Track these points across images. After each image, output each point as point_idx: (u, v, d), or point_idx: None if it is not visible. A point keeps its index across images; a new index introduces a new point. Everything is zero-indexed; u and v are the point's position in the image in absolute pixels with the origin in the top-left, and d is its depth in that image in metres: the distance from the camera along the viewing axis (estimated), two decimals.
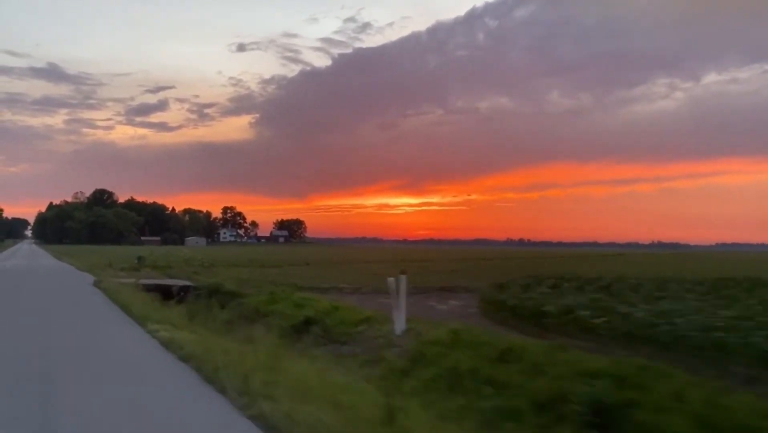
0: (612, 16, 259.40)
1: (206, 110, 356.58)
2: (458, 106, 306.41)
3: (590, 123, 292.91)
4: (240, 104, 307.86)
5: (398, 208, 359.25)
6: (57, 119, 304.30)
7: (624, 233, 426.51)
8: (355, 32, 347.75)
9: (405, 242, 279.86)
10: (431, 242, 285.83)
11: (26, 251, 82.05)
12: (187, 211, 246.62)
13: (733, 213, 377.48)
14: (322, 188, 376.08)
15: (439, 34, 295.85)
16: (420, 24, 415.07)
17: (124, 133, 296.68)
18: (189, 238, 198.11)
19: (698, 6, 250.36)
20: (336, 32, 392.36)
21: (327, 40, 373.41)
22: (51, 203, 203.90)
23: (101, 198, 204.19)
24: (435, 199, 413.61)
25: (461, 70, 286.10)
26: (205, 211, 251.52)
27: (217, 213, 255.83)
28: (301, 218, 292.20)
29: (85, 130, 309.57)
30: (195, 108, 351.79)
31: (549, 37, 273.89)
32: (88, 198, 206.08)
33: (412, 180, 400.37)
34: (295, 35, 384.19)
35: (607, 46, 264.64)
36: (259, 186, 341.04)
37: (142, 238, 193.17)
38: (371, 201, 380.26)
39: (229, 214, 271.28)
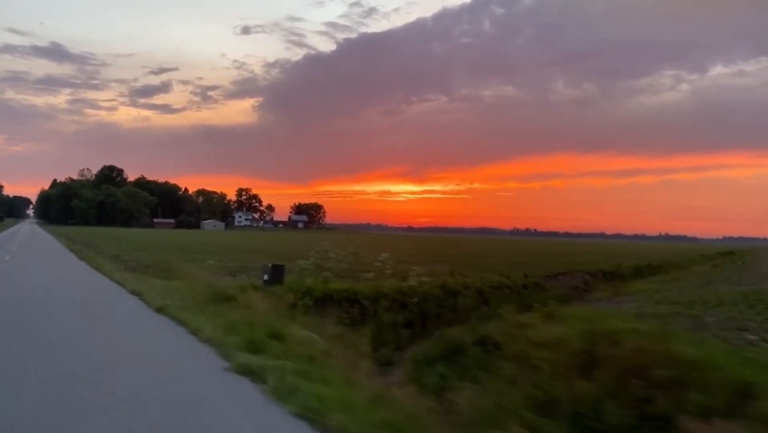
0: (618, 5, 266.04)
1: (209, 93, 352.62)
2: (462, 93, 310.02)
3: (594, 113, 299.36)
4: (243, 87, 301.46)
5: (400, 196, 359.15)
6: (60, 99, 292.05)
7: (630, 224, 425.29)
8: (361, 17, 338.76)
9: (411, 229, 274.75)
10: (436, 229, 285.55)
11: (26, 236, 62.35)
12: (200, 192, 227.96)
13: (738, 207, 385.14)
14: (324, 174, 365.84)
15: (445, 21, 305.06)
16: (426, 10, 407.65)
17: (127, 115, 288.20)
18: (206, 221, 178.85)
19: None
20: (341, 16, 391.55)
21: (332, 25, 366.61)
22: (55, 180, 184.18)
23: (110, 175, 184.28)
24: (437, 187, 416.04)
25: (466, 58, 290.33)
26: (220, 192, 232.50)
27: (230, 195, 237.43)
28: (320, 202, 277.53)
29: (88, 110, 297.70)
30: (198, 90, 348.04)
31: (555, 26, 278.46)
32: (95, 175, 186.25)
33: (415, 167, 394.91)
34: (300, 19, 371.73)
35: (613, 36, 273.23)
36: (261, 170, 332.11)
37: (155, 220, 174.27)
38: (373, 187, 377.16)
39: (244, 197, 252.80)
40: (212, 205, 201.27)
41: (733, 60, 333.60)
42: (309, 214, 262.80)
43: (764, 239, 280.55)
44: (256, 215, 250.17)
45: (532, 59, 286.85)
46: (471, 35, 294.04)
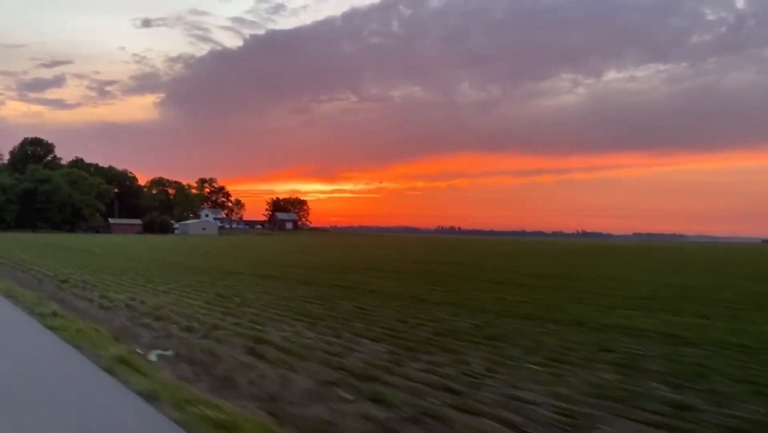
0: (522, 9, 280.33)
1: (107, 88, 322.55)
2: (372, 93, 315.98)
3: (497, 114, 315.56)
4: (144, 83, 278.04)
5: (309, 195, 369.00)
6: None
7: (548, 222, 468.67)
8: (268, 13, 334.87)
9: (336, 228, 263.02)
10: (358, 229, 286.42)
11: None
12: (156, 182, 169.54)
13: (637, 205, 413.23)
14: (231, 172, 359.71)
15: (354, 21, 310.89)
16: (335, 9, 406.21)
17: (15, 110, 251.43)
18: (191, 222, 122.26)
19: (602, 3, 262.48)
20: (248, 12, 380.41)
21: (239, 20, 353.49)
22: None
23: (35, 153, 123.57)
24: (347, 186, 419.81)
25: (376, 58, 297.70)
26: (186, 184, 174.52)
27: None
28: (303, 198, 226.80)
29: None
30: (95, 85, 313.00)
31: (461, 28, 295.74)
32: (11, 154, 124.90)
33: (324, 166, 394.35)
34: (204, 13, 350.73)
35: (516, 39, 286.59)
36: (165, 169, 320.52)
37: (111, 221, 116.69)
38: (282, 187, 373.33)
39: (208, 190, 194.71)
40: (189, 201, 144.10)
41: (625, 66, 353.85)
42: (288, 212, 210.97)
43: (671, 235, 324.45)
44: (223, 213, 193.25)
45: (440, 61, 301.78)
46: (380, 35, 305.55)
